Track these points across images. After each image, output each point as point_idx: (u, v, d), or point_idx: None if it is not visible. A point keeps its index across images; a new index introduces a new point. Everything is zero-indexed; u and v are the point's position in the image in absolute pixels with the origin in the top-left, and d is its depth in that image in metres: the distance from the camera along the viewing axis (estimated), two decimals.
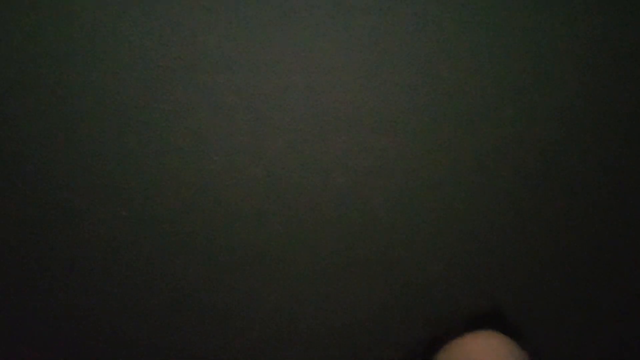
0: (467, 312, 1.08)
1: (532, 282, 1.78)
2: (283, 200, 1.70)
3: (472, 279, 1.76)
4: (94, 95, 1.55)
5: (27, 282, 1.78)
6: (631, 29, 1.51)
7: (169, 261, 1.77)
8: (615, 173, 1.65)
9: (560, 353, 1.84)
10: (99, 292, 1.81)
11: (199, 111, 1.58)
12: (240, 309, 1.83)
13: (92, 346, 1.88)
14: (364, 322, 1.83)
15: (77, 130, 1.59)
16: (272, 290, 1.80)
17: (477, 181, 1.68)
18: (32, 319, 1.83)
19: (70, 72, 1.51)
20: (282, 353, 1.85)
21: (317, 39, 1.50)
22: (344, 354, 1.87)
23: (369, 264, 1.78)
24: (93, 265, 1.77)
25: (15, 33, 1.45)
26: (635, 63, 1.54)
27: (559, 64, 1.54)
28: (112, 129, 1.59)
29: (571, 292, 1.79)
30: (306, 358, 1.88)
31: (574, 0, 1.47)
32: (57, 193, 1.67)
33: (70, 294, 1.80)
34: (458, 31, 1.50)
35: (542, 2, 1.49)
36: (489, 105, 1.59)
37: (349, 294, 1.81)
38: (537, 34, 1.51)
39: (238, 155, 1.64)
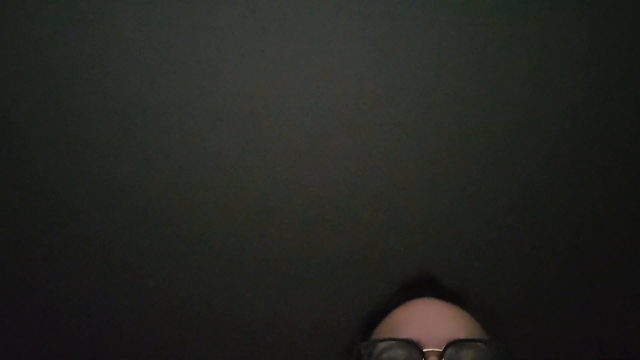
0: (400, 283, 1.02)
1: (534, 284, 1.80)
2: (282, 201, 1.71)
3: (473, 280, 1.77)
4: (93, 96, 1.54)
5: (26, 286, 1.77)
6: (631, 31, 1.52)
7: (167, 263, 1.77)
8: (616, 175, 1.67)
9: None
10: (96, 294, 1.80)
11: (199, 113, 1.58)
12: (238, 310, 1.83)
13: (89, 347, 1.87)
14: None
15: (75, 132, 1.59)
16: (272, 291, 1.80)
17: (477, 183, 1.69)
18: (31, 321, 1.82)
19: (69, 74, 1.51)
20: (281, 354, 1.86)
21: (318, 41, 1.50)
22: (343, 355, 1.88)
23: (368, 265, 1.79)
24: (89, 266, 1.76)
25: (13, 32, 1.44)
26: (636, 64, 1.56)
27: (562, 67, 1.55)
28: (110, 130, 1.59)
29: (573, 295, 1.81)
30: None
31: (574, 3, 1.49)
32: (55, 196, 1.66)
33: (68, 295, 1.80)
34: (460, 35, 1.51)
35: (544, 6, 1.50)
36: (490, 108, 1.60)
37: (349, 295, 1.81)
38: (540, 37, 1.52)
39: (238, 157, 1.64)
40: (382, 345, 0.90)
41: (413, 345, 0.88)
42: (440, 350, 0.86)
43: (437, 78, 1.56)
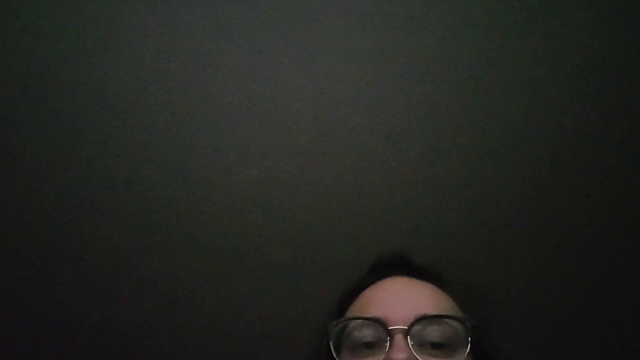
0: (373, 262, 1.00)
1: (535, 286, 1.77)
2: (284, 202, 1.71)
3: (473, 281, 1.75)
4: (94, 97, 1.56)
5: (24, 284, 1.77)
6: (631, 32, 1.52)
7: (166, 263, 1.75)
8: (615, 174, 1.65)
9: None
10: (94, 294, 1.79)
11: (200, 114, 1.59)
12: (238, 311, 1.82)
13: (87, 348, 1.87)
14: None
15: (76, 132, 1.60)
16: (272, 292, 1.79)
17: (478, 184, 1.68)
18: (30, 320, 1.82)
19: (70, 74, 1.53)
20: (280, 352, 1.85)
21: (319, 41, 1.52)
22: None
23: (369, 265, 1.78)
24: (88, 266, 1.74)
25: (12, 31, 1.47)
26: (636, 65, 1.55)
27: (561, 66, 1.55)
28: (111, 130, 1.60)
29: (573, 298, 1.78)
30: None
31: (574, 4, 1.49)
32: (55, 195, 1.67)
33: (66, 295, 1.78)
34: (460, 34, 1.51)
35: (544, 5, 1.50)
36: (491, 108, 1.60)
37: None
38: (539, 35, 1.52)
39: (239, 157, 1.65)
40: (351, 324, 0.90)
41: (379, 324, 0.87)
42: (406, 327, 0.85)
43: (437, 78, 1.56)
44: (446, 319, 0.88)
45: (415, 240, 1.74)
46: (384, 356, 0.85)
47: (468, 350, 0.87)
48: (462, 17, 1.50)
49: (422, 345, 0.86)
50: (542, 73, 1.56)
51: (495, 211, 1.70)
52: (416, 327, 0.86)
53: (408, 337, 0.85)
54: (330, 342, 0.89)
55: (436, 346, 0.87)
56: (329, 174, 1.67)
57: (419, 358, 0.84)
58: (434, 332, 0.87)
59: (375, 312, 0.89)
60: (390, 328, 0.86)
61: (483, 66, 1.56)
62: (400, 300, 0.90)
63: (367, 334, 0.88)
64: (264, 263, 1.77)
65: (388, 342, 0.85)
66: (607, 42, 1.53)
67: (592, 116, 1.60)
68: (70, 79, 1.53)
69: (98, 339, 1.79)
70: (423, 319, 0.87)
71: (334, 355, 0.89)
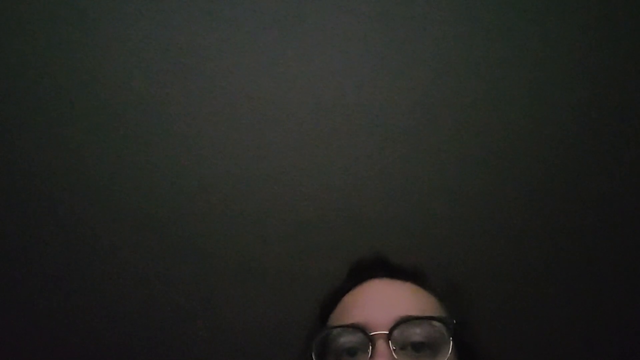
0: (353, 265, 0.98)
1: (536, 287, 1.77)
2: (283, 203, 1.71)
3: (473, 282, 1.74)
4: (93, 97, 1.56)
5: (24, 289, 1.79)
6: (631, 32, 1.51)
7: (167, 264, 1.78)
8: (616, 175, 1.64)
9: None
10: (94, 296, 1.81)
11: (199, 115, 1.59)
12: (238, 313, 1.83)
13: (86, 351, 1.88)
14: None
15: (75, 133, 1.60)
16: (271, 293, 1.80)
17: (477, 185, 1.68)
18: (29, 325, 1.84)
19: (69, 75, 1.53)
20: (280, 354, 1.85)
21: (318, 42, 1.51)
22: None
23: None
24: (88, 268, 1.77)
25: (12, 32, 1.47)
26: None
27: (561, 66, 1.54)
28: (110, 131, 1.60)
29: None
30: None
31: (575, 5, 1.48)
32: (54, 196, 1.68)
33: (65, 297, 1.81)
34: (460, 34, 1.50)
35: (545, 6, 1.49)
36: (490, 109, 1.59)
37: None
38: (540, 35, 1.51)
39: (237, 158, 1.65)
40: (333, 332, 0.88)
41: (360, 330, 0.85)
42: (387, 332, 0.84)
43: (437, 79, 1.56)
44: (428, 320, 0.86)
45: (413, 241, 1.74)
46: None
47: (451, 349, 0.85)
48: (463, 18, 1.49)
49: (404, 348, 0.85)
50: (543, 73, 1.55)
51: (493, 211, 1.70)
52: (397, 331, 0.84)
53: (390, 341, 0.83)
54: (313, 354, 0.87)
55: (418, 347, 0.85)
56: (328, 174, 1.67)
57: None
58: (415, 334, 0.85)
59: (355, 318, 0.88)
60: (371, 334, 0.84)
61: (483, 66, 1.55)
62: (380, 303, 0.89)
63: (349, 340, 0.86)
64: (261, 263, 1.78)
65: (370, 348, 0.84)
66: (607, 43, 1.51)
67: (592, 117, 1.59)
68: (70, 80, 1.53)
69: (97, 339, 1.81)
70: (403, 321, 0.85)
71: None
